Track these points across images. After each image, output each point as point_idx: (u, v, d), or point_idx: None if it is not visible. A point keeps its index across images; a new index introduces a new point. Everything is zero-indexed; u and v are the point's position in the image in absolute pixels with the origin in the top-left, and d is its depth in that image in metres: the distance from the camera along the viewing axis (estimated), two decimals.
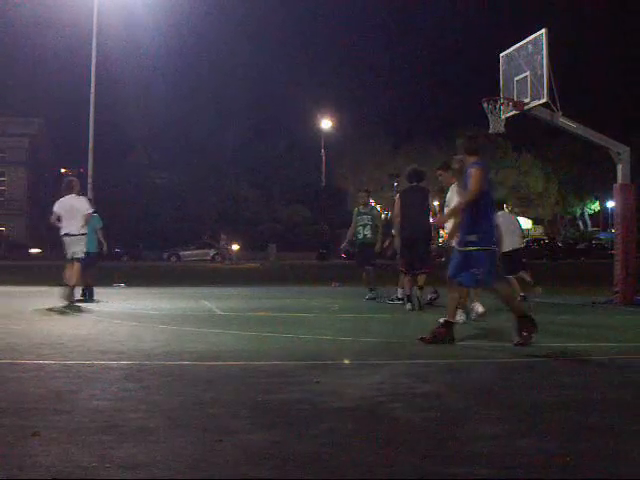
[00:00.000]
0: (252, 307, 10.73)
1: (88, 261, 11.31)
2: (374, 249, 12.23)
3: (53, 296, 12.88)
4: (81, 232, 10.81)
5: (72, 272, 10.60)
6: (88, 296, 11.62)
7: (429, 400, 4.14)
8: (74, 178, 11.60)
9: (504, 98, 11.87)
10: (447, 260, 7.43)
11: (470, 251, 6.29)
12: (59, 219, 10.91)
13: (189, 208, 62.45)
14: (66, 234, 10.80)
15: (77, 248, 10.75)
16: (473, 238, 6.24)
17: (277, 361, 5.55)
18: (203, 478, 2.72)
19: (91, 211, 11.14)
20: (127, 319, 8.67)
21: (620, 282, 11.48)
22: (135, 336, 6.98)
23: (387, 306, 10.76)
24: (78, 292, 11.29)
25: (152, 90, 67.89)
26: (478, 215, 6.26)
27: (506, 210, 10.78)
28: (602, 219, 72.18)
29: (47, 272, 17.91)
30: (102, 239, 12.36)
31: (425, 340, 6.40)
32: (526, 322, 6.30)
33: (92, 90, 20.50)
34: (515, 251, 11.04)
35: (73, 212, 10.80)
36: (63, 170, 67.61)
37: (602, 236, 62.30)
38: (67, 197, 10.98)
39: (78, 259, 10.71)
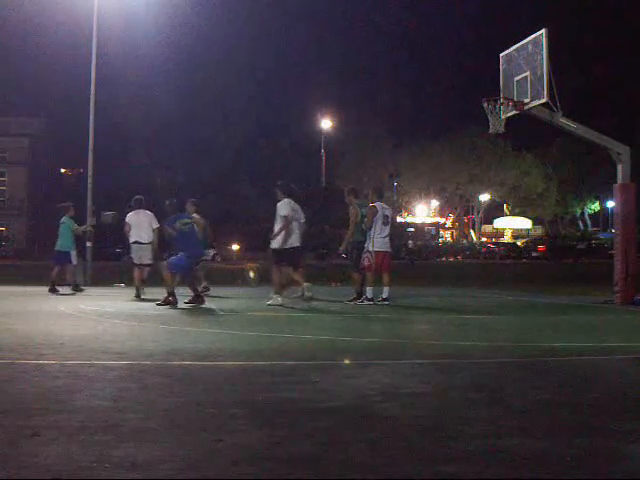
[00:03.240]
0: (252, 307, 10.73)
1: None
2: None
3: (53, 296, 12.91)
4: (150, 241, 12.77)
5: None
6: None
7: (428, 400, 4.14)
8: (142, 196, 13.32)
9: (504, 98, 11.87)
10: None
11: None
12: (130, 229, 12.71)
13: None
14: (137, 242, 12.74)
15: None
16: None
17: (277, 361, 5.56)
18: (203, 478, 2.72)
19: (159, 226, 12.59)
20: (127, 319, 8.68)
21: (620, 282, 11.48)
22: (135, 336, 6.99)
23: (386, 307, 10.72)
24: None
25: (153, 90, 67.95)
26: None
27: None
28: (602, 219, 72.17)
29: (47, 272, 17.86)
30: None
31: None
32: None
33: (92, 90, 20.46)
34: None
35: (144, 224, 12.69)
36: (63, 170, 67.59)
37: (602, 236, 62.24)
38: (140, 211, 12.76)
39: (148, 264, 12.86)
